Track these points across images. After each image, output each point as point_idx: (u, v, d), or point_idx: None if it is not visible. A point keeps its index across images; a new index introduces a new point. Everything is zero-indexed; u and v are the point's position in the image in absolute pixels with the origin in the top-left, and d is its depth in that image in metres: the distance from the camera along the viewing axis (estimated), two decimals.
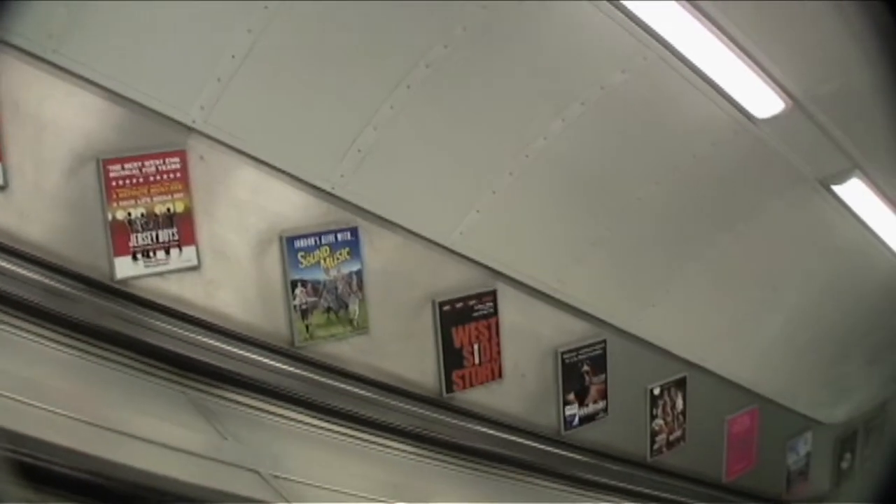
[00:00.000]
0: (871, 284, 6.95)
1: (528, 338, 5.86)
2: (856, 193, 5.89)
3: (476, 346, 5.50)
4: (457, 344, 5.40)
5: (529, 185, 5.27)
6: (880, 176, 5.85)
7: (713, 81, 4.85)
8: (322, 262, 4.86)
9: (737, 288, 6.49)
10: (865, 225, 6.25)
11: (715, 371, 6.93)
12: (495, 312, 5.57)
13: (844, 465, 8.83)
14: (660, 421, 6.68)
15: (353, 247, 4.96)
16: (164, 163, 4.37)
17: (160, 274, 4.43)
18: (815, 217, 6.11)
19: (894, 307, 7.43)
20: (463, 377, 5.47)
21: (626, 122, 5.13)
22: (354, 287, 4.98)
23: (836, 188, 5.83)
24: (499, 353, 5.62)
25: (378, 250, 5.11)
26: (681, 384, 6.76)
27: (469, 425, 5.56)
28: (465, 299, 5.41)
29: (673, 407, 6.76)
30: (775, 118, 5.08)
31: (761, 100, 4.96)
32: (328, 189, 4.83)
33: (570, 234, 5.69)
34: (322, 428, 4.74)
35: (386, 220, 5.09)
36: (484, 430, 5.63)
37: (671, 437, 6.79)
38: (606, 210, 5.61)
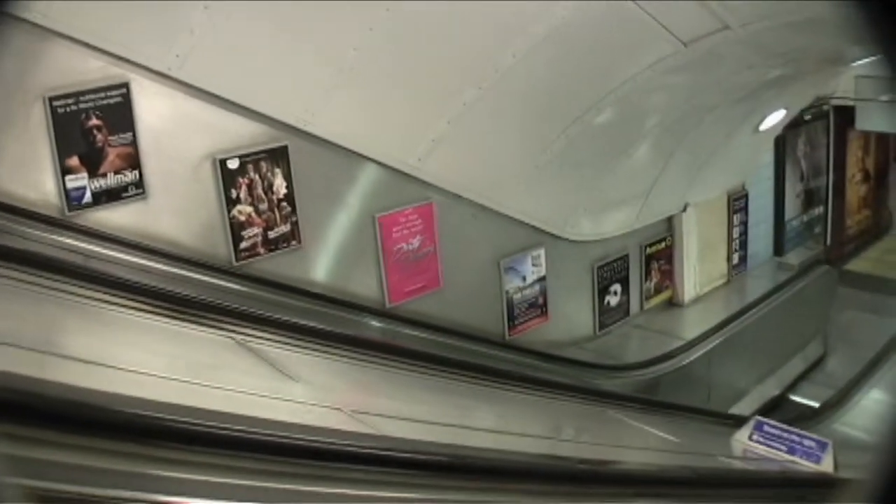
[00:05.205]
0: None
1: None
2: None
3: None
4: None
5: None
6: None
7: None
8: None
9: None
10: None
11: (338, 142, 5.01)
12: None
13: (612, 300, 6.82)
14: (246, 208, 4.80)
15: None
16: None
17: None
18: None
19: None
20: None
21: None
22: None
23: None
24: None
25: None
26: (279, 157, 4.85)
27: None
28: None
29: (268, 190, 4.86)
30: None
31: None
32: None
33: None
34: None
35: None
36: None
37: (272, 235, 4.90)
38: None
